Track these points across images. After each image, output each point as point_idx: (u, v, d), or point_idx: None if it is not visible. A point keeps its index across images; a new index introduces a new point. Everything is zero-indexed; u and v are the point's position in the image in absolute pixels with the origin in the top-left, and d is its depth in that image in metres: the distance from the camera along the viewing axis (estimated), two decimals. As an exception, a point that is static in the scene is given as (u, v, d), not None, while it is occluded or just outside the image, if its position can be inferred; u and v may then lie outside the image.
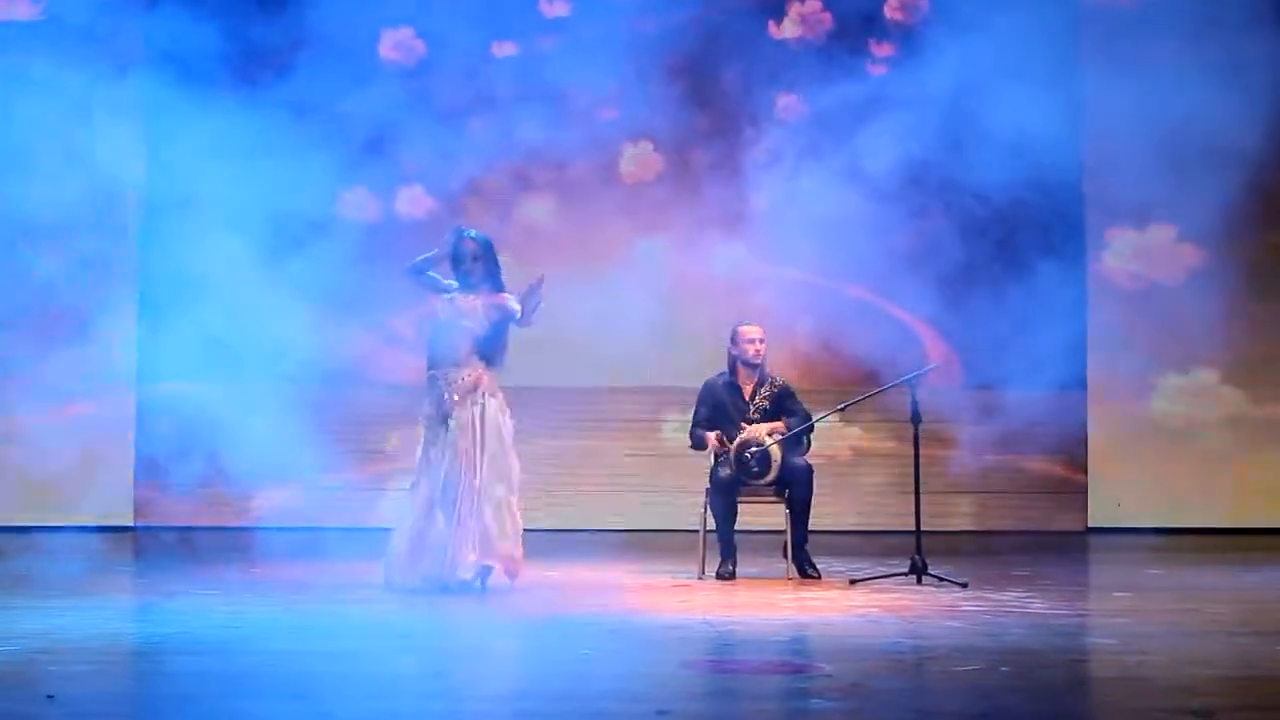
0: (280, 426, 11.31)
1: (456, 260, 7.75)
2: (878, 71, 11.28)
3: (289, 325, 10.83)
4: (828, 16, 11.51)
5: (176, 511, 11.09)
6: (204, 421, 11.24)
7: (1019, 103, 10.34)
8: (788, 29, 11.55)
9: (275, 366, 11.09)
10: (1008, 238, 11.37)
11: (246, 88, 10.93)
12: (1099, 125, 11.25)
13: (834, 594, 7.63)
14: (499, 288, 7.73)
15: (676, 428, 10.37)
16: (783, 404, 8.41)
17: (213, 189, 10.54)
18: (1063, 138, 10.96)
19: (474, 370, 7.59)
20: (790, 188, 10.91)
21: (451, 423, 7.52)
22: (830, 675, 5.25)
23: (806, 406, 8.45)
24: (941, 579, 7.88)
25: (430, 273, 7.78)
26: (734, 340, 8.51)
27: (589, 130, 11.21)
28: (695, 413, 8.51)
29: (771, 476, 8.24)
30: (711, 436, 8.34)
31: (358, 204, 11.47)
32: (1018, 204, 11.23)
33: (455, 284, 7.76)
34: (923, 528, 8.03)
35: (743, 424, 8.32)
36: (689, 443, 8.52)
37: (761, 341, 8.46)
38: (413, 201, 11.49)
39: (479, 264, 7.72)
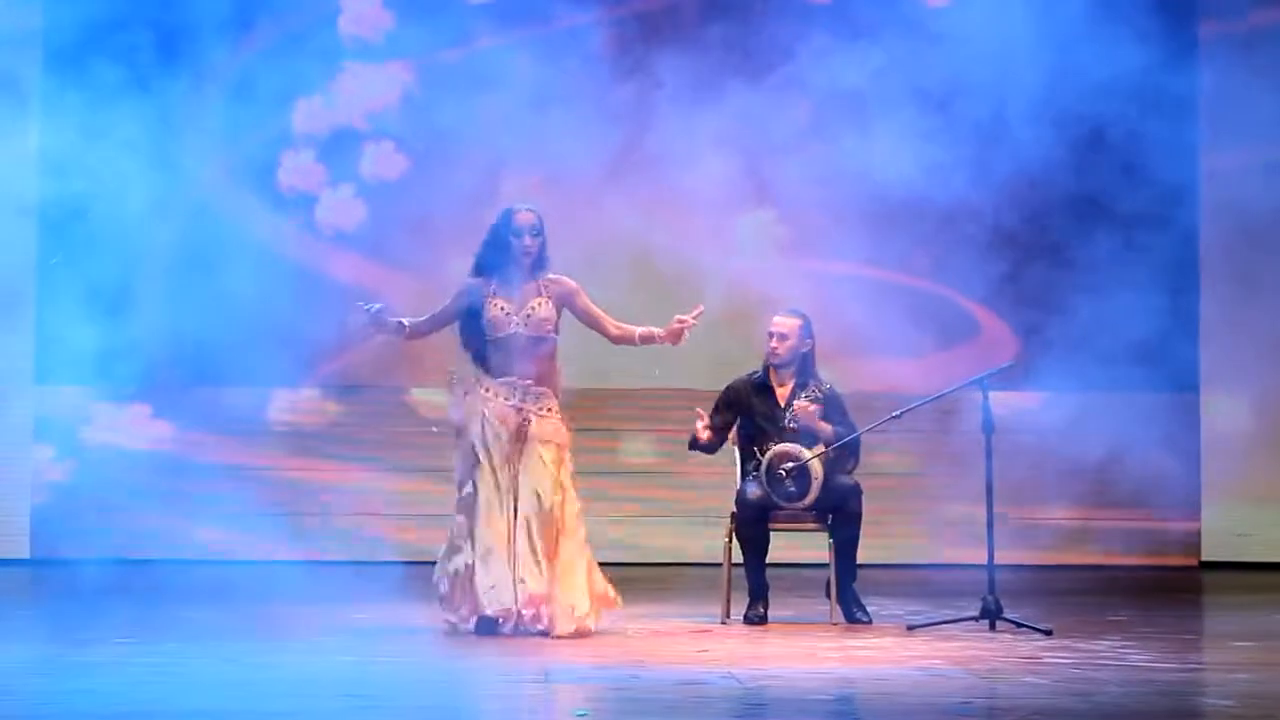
0: (213, 439, 11.34)
1: (509, 236, 7.88)
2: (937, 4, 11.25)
3: (217, 325, 10.87)
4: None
5: (85, 542, 11.09)
6: (117, 435, 11.26)
7: (1124, 47, 10.37)
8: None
9: (200, 372, 11.12)
10: (1104, 210, 11.36)
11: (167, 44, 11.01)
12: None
13: (888, 642, 7.63)
14: (547, 268, 7.97)
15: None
16: (827, 415, 8.39)
17: (125, 158, 10.60)
18: (1174, 99, 11.05)
19: (553, 401, 7.88)
20: (831, 153, 10.91)
21: (538, 447, 7.78)
22: (883, 742, 5.25)
23: (855, 421, 8.42)
24: (1020, 625, 7.88)
25: (404, 320, 7.97)
26: (767, 331, 8.53)
27: (581, 78, 11.18)
28: (710, 417, 8.49)
29: (811, 498, 8.23)
30: (699, 425, 8.31)
31: (303, 169, 11.46)
32: (1114, 166, 11.23)
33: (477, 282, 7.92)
34: (997, 561, 8.02)
35: (775, 437, 8.32)
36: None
37: (783, 338, 8.44)
38: (382, 161, 11.48)
39: (538, 241, 7.92)
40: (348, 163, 11.45)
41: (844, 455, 8.34)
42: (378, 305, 8.00)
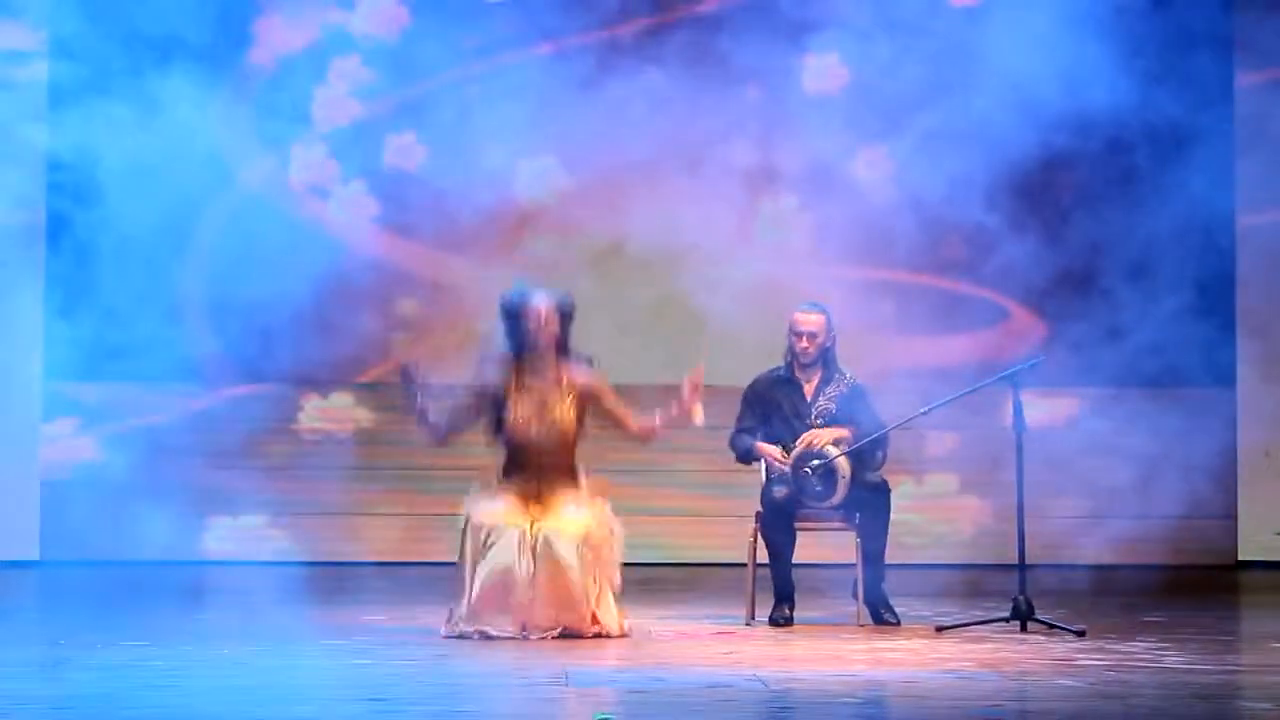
0: (224, 440, 11.38)
1: (520, 320, 7.83)
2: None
3: (232, 320, 10.91)
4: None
5: (94, 543, 11.13)
6: (128, 435, 11.31)
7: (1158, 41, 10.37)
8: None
9: (214, 369, 11.16)
10: (1133, 199, 11.35)
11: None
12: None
13: (917, 644, 7.63)
14: (568, 355, 7.88)
15: (714, 435, 10.35)
16: (851, 408, 8.39)
17: (135, 151, 10.65)
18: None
19: (583, 487, 7.87)
20: (854, 138, 10.91)
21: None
22: (912, 746, 5.27)
23: (880, 414, 8.41)
24: (1052, 626, 7.88)
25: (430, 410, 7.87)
26: (790, 329, 8.50)
27: (594, 60, 11.17)
28: (739, 418, 8.51)
29: (838, 497, 8.24)
30: (774, 451, 8.30)
31: (314, 163, 11.48)
32: (1146, 152, 11.22)
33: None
34: (1028, 561, 8.02)
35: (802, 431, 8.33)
36: (732, 455, 8.54)
37: (813, 337, 8.41)
38: (403, 152, 11.50)
39: (549, 327, 7.84)
40: (365, 155, 11.47)
41: (871, 451, 8.33)
42: (422, 386, 7.82)
